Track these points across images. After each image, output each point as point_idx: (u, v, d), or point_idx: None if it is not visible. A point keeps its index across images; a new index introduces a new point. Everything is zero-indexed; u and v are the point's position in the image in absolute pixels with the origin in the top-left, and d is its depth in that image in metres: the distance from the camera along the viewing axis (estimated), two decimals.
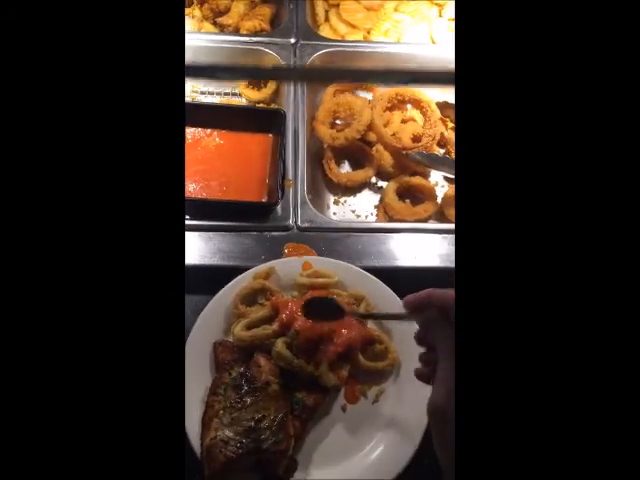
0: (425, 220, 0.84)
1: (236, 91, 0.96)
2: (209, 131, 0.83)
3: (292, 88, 0.88)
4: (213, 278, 0.72)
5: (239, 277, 0.70)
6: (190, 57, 0.94)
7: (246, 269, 0.71)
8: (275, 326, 0.65)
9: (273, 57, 0.93)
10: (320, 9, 1.05)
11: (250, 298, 0.69)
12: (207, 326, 0.67)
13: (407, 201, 0.86)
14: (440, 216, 0.86)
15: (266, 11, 1.03)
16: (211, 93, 0.97)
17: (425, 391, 0.43)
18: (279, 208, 0.77)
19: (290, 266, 0.71)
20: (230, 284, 0.69)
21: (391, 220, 0.84)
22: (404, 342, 0.67)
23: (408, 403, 0.65)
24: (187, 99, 0.94)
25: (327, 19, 1.05)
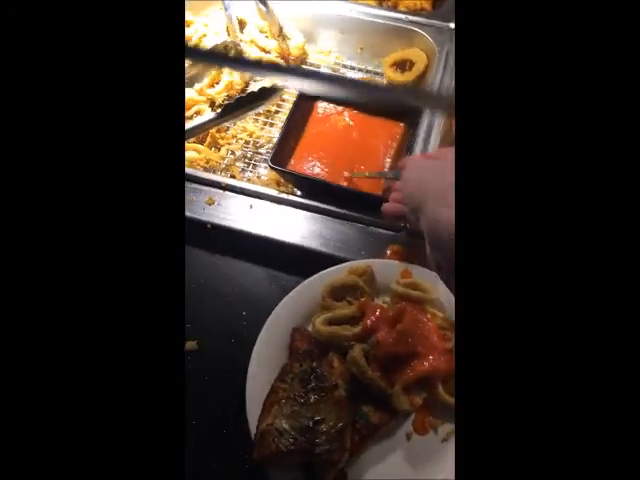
0: None
1: (379, 70, 0.91)
2: (341, 109, 0.79)
3: (438, 78, 0.81)
4: (307, 261, 0.69)
5: (334, 268, 0.66)
6: (341, 28, 0.91)
7: (342, 260, 0.68)
8: (357, 329, 0.61)
9: (426, 40, 0.85)
10: None
11: (339, 292, 0.65)
12: (291, 310, 0.65)
13: None
14: None
15: None
16: (353, 68, 0.92)
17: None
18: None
19: (388, 269, 0.66)
20: (323, 272, 0.66)
21: None
22: None
23: None
24: (328, 70, 0.91)
25: None
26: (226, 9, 0.85)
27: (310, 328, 0.65)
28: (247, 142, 0.85)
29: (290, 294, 0.66)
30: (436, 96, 0.66)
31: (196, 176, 0.74)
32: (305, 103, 0.78)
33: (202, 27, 0.88)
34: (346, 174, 0.73)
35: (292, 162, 0.75)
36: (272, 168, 0.72)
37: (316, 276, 0.66)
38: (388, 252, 0.69)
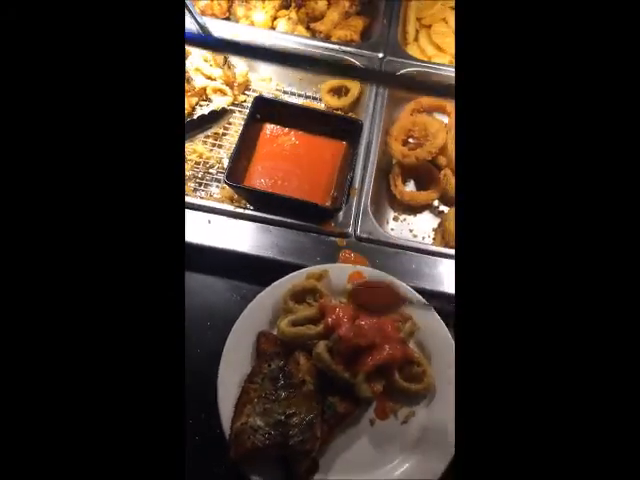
0: None
1: (317, 95, 0.99)
2: (287, 130, 0.86)
3: (372, 100, 0.90)
4: (265, 270, 0.74)
5: (293, 274, 0.71)
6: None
7: (299, 267, 0.73)
8: (319, 328, 0.66)
9: (358, 69, 0.95)
10: (411, 28, 1.06)
11: (300, 296, 0.71)
12: (255, 315, 0.69)
13: None
14: None
15: (359, 23, 1.05)
16: (293, 94, 1.00)
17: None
18: (340, 214, 0.79)
19: (343, 272, 0.72)
20: (283, 279, 0.71)
21: (447, 246, 0.84)
22: (442, 369, 0.67)
23: (436, 431, 0.65)
24: (270, 95, 0.97)
25: (416, 39, 1.06)
26: None
27: (275, 331, 0.69)
28: (197, 163, 0.89)
29: (253, 301, 0.70)
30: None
31: None
32: (255, 124, 0.84)
33: None
34: (317, 192, 0.80)
35: (246, 179, 0.80)
36: (228, 185, 0.76)
37: (277, 283, 0.71)
38: (341, 257, 0.75)
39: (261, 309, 0.70)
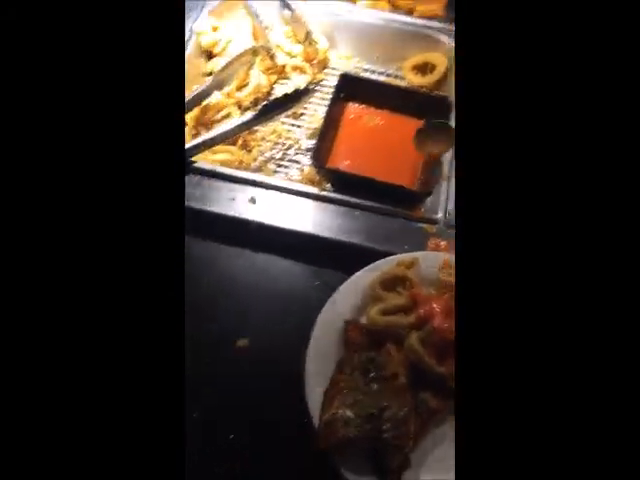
0: None
1: (399, 73, 0.94)
2: (371, 109, 0.82)
3: None
4: (349, 256, 0.71)
5: (382, 261, 0.68)
6: (360, 33, 0.93)
7: (385, 254, 0.70)
8: (412, 318, 0.63)
9: (444, 45, 0.89)
10: None
11: (390, 284, 0.67)
12: (342, 303, 0.67)
13: None
14: None
15: None
16: (374, 72, 0.95)
17: None
18: (429, 200, 0.75)
19: (434, 261, 0.68)
20: (372, 266, 0.68)
21: None
22: None
23: None
24: (351, 72, 0.93)
25: None
26: (256, 15, 0.87)
27: (363, 320, 0.66)
28: (276, 143, 0.87)
29: (340, 288, 0.67)
30: None
31: (237, 176, 0.75)
32: (338, 103, 0.80)
33: (227, 32, 0.90)
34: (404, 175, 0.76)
35: (330, 160, 0.77)
36: (315, 166, 0.74)
37: (365, 270, 0.68)
38: (429, 244, 0.71)
39: (349, 296, 0.67)
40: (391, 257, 0.68)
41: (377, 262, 0.68)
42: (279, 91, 0.91)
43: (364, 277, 0.68)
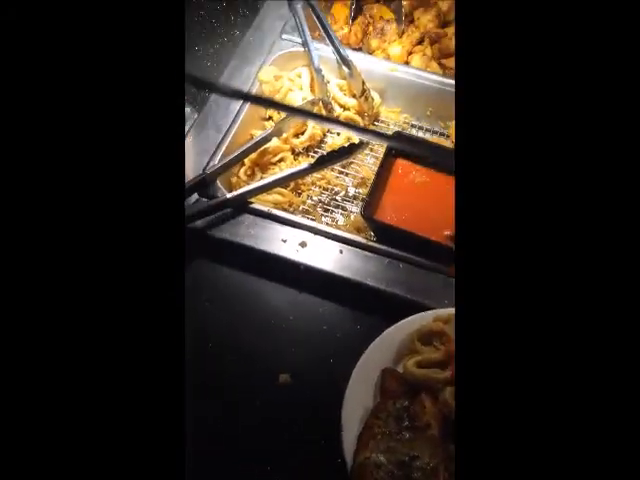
0: None
1: (444, 131, 0.99)
2: (418, 166, 0.87)
3: None
4: (391, 306, 0.75)
5: (421, 314, 0.72)
6: (409, 92, 0.99)
7: (425, 307, 0.74)
8: (447, 374, 0.67)
9: None
10: None
11: (427, 338, 0.71)
12: (381, 352, 0.71)
13: None
14: None
15: None
16: (421, 128, 1.01)
17: None
18: None
19: None
20: (410, 318, 0.72)
21: None
22: None
23: None
24: (397, 128, 0.99)
25: None
26: (317, 70, 0.93)
27: (400, 369, 0.70)
28: (325, 189, 0.92)
29: (379, 337, 0.71)
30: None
31: (290, 219, 0.80)
32: (389, 160, 0.86)
33: (288, 82, 0.97)
34: (446, 232, 0.80)
35: (378, 212, 0.82)
36: (364, 218, 0.79)
37: (404, 321, 0.72)
38: None
39: (387, 346, 0.71)
40: (429, 312, 0.72)
41: (416, 315, 0.72)
42: (330, 140, 0.97)
43: (403, 329, 0.72)
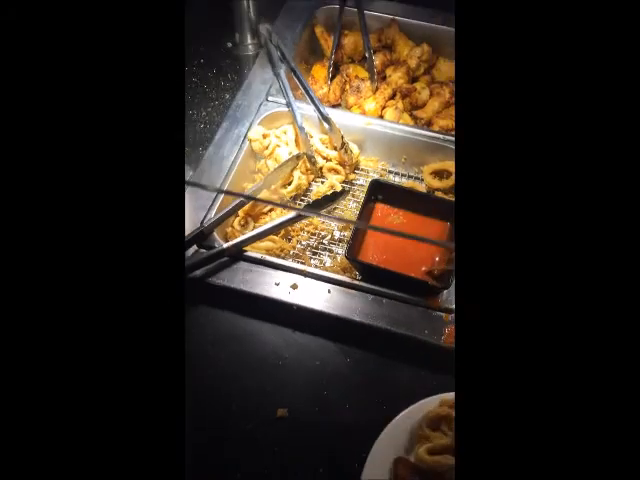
0: None
1: (419, 176, 1.09)
2: (396, 209, 0.96)
3: None
4: (377, 338, 0.83)
5: (426, 400, 0.75)
6: (385, 142, 1.09)
7: (408, 337, 0.81)
8: None
9: None
10: None
11: (435, 423, 0.74)
12: (391, 441, 0.73)
13: None
14: None
15: None
16: (397, 173, 1.11)
17: None
18: (445, 292, 0.87)
19: None
20: (417, 405, 0.75)
21: None
22: None
23: None
24: (376, 175, 1.09)
25: None
26: (301, 128, 1.04)
27: (412, 458, 0.73)
28: (313, 233, 1.01)
29: (389, 425, 0.73)
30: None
31: (281, 264, 0.88)
32: (369, 204, 0.95)
33: (275, 139, 1.07)
34: (423, 269, 0.88)
35: (360, 254, 0.90)
36: (349, 259, 0.87)
37: (412, 408, 0.75)
38: (447, 331, 0.83)
39: (398, 434, 0.74)
40: (435, 397, 0.75)
41: (422, 401, 0.75)
42: (316, 188, 1.06)
43: (411, 416, 0.74)
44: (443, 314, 0.84)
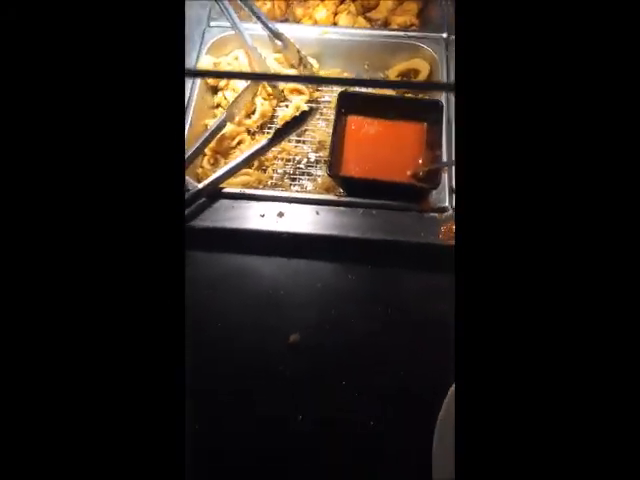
0: None
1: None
2: (370, 119, 0.92)
3: (445, 78, 0.95)
4: (374, 250, 0.81)
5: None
6: (345, 51, 1.03)
7: (404, 243, 0.80)
8: None
9: (424, 50, 0.99)
10: None
11: None
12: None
13: None
14: None
15: (413, 6, 1.09)
16: None
17: None
18: (435, 192, 0.84)
19: None
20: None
21: None
22: None
23: None
24: (341, 88, 1.03)
25: None
26: (252, 49, 0.96)
27: None
28: (288, 160, 0.96)
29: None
30: None
31: (263, 195, 0.84)
32: (340, 118, 0.90)
33: (228, 67, 0.99)
34: (409, 173, 0.85)
35: (342, 169, 0.87)
36: (331, 176, 0.83)
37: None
38: (443, 229, 0.81)
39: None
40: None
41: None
42: (281, 113, 1.00)
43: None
44: (436, 214, 0.83)
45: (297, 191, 0.92)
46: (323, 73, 1.04)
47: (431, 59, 0.98)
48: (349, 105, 0.90)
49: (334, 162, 0.85)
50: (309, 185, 0.94)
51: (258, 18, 0.99)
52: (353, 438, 0.71)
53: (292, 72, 0.99)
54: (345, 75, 1.05)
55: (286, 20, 1.12)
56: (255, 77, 0.93)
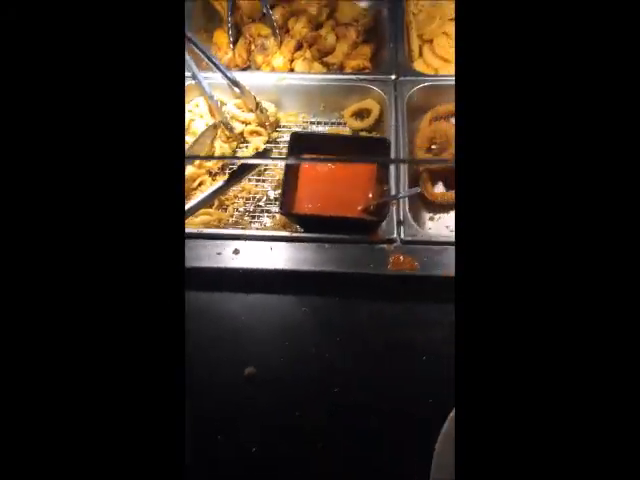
0: None
1: (341, 121, 1.09)
2: (323, 157, 0.97)
3: (393, 117, 1.00)
4: (327, 282, 0.85)
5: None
6: (302, 94, 1.09)
7: (355, 275, 0.83)
8: None
9: (375, 92, 1.05)
10: (415, 45, 1.16)
11: None
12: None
13: None
14: None
15: (367, 50, 1.16)
16: (319, 122, 1.11)
17: None
18: (384, 224, 0.88)
19: None
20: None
21: None
22: None
23: None
24: (298, 128, 1.08)
25: (421, 54, 1.17)
26: (210, 96, 1.02)
27: None
28: (247, 199, 1.01)
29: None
30: None
31: (220, 234, 0.88)
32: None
33: (189, 114, 1.04)
34: (359, 207, 0.89)
35: (295, 207, 0.91)
36: (283, 214, 0.87)
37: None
38: (392, 260, 0.85)
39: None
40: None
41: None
42: (241, 154, 1.05)
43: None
44: (385, 245, 0.86)
45: (257, 228, 0.96)
46: (282, 115, 1.10)
47: (380, 99, 1.04)
48: (301, 145, 0.95)
49: (286, 201, 0.89)
50: (268, 222, 0.98)
51: (217, 68, 1.05)
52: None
53: (250, 116, 1.05)
54: (302, 116, 1.11)
55: (248, 68, 1.19)
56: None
